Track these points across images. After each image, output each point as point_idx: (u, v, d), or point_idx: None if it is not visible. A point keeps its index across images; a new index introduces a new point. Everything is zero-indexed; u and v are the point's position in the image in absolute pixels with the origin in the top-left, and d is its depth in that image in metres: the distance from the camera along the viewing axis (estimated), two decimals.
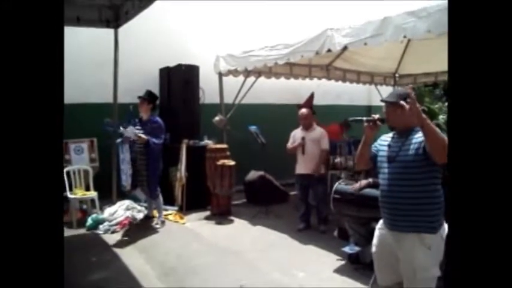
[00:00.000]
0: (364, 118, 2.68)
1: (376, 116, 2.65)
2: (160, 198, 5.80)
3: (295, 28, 6.71)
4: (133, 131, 5.44)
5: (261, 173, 6.90)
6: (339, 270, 4.14)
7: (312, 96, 7.90)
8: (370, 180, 3.84)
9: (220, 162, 6.31)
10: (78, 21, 5.88)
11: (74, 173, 6.14)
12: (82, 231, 5.62)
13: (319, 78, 7.89)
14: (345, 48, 4.89)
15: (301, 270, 4.14)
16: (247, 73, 6.88)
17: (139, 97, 5.66)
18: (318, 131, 5.55)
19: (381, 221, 2.73)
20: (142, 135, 5.43)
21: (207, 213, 6.46)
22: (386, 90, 8.57)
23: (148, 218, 5.87)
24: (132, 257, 4.66)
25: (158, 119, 5.71)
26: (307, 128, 5.55)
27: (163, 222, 5.76)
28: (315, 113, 7.13)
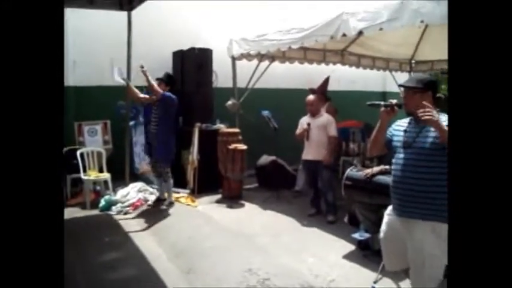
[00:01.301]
0: (382, 103, 2.65)
1: (394, 101, 2.61)
2: (171, 181, 5.84)
3: (309, 12, 6.63)
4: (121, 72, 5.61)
5: (273, 157, 6.89)
6: (348, 256, 4.15)
7: (326, 81, 7.76)
8: (383, 166, 3.82)
9: (232, 146, 6.32)
10: (92, 4, 5.85)
11: (88, 154, 6.21)
12: (95, 212, 5.71)
13: (334, 63, 7.79)
14: (360, 33, 4.79)
15: (311, 255, 4.15)
16: (260, 57, 6.83)
17: (158, 79, 5.68)
18: (325, 117, 5.50)
19: (390, 207, 2.71)
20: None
21: (219, 196, 6.50)
22: (401, 77, 8.45)
23: (159, 200, 5.93)
24: (143, 238, 4.73)
25: (170, 93, 5.73)
26: (314, 114, 5.50)
27: (171, 203, 5.81)
28: (329, 99, 7.06)
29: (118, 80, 5.99)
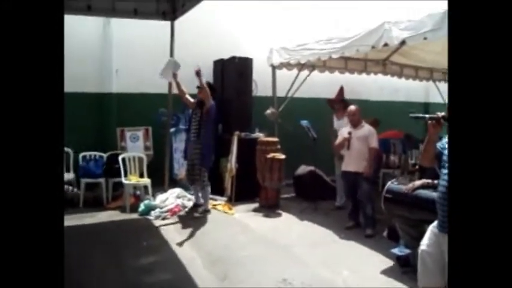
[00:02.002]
0: (427, 115, 2.55)
1: (441, 114, 2.49)
2: (208, 188, 5.89)
3: (351, 21, 6.56)
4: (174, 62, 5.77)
5: (311, 168, 6.82)
6: (386, 272, 4.02)
7: (341, 90, 7.67)
8: (424, 180, 3.70)
9: (271, 155, 6.31)
10: (136, 14, 6.05)
11: (129, 159, 6.38)
12: (134, 216, 5.85)
13: (375, 73, 7.67)
14: (403, 42, 4.69)
15: (347, 268, 4.06)
16: (300, 66, 6.81)
17: (198, 87, 5.75)
18: (366, 128, 5.39)
19: (435, 222, 2.62)
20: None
21: (256, 205, 6.49)
22: (445, 87, 8.20)
23: (196, 206, 5.98)
24: (180, 244, 4.78)
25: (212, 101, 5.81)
26: (356, 125, 5.41)
27: (207, 211, 5.84)
28: (347, 107, 6.95)
29: (167, 73, 6.01)
